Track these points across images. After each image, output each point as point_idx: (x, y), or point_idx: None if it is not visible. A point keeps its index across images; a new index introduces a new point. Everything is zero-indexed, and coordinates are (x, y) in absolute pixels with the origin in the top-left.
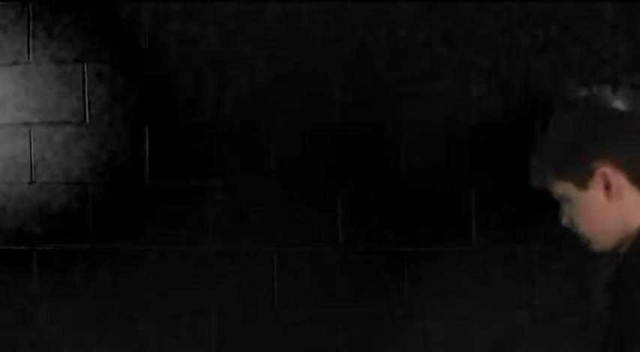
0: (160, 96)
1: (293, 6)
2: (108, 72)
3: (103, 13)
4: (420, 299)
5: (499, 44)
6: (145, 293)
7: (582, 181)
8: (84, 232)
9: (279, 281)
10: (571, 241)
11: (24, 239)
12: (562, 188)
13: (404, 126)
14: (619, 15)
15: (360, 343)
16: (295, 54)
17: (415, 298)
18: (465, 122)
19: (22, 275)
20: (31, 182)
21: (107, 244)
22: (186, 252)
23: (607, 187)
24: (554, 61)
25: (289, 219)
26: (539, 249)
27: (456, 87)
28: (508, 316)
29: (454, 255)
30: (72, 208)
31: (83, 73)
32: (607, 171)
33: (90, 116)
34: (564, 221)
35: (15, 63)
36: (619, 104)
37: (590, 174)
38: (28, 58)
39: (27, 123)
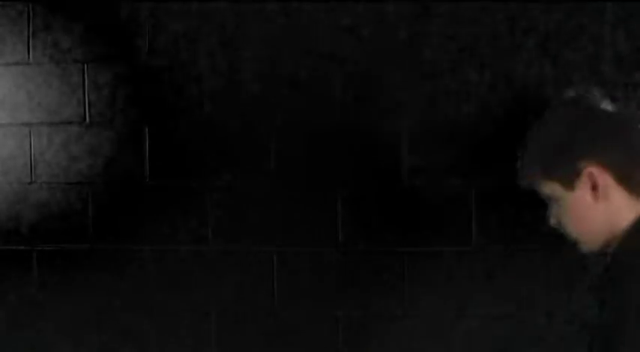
0: (160, 96)
1: (293, 6)
2: (108, 72)
3: (103, 13)
4: (420, 299)
5: (499, 44)
6: (145, 293)
7: (569, 181)
8: (84, 232)
9: (279, 281)
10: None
11: (24, 239)
12: (549, 188)
13: (404, 126)
14: (619, 15)
15: (360, 343)
16: (295, 54)
17: (415, 298)
18: (465, 122)
19: (22, 275)
20: (31, 182)
21: (107, 244)
22: (186, 252)
23: (594, 187)
24: (555, 61)
25: (289, 219)
26: (539, 249)
27: (456, 87)
28: (508, 316)
29: (454, 255)
30: (72, 208)
31: (83, 73)
32: (594, 171)
33: (90, 116)
34: (552, 221)
35: (15, 63)
36: (607, 105)
37: (577, 175)
38: (28, 58)
39: (27, 123)
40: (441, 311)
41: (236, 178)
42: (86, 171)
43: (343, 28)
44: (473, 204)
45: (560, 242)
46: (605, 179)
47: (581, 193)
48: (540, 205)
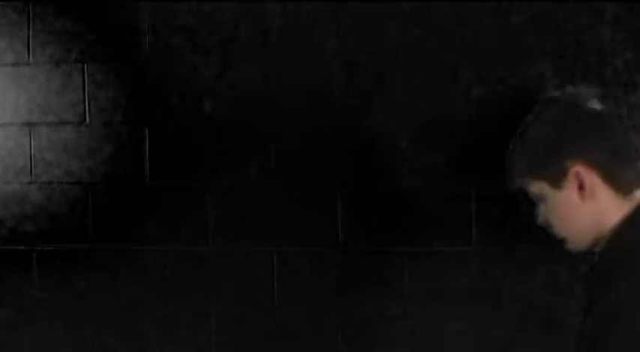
0: (160, 96)
1: (293, 5)
2: (108, 72)
3: (103, 13)
4: (420, 299)
5: (499, 44)
6: (144, 293)
7: (556, 181)
8: (84, 232)
9: (279, 281)
10: None
11: (24, 239)
12: (537, 187)
13: (404, 126)
14: (619, 15)
15: (360, 343)
16: (295, 54)
17: (415, 298)
18: (465, 122)
19: (22, 275)
20: (31, 182)
21: (107, 244)
22: (186, 252)
23: (581, 187)
24: (554, 61)
25: (289, 219)
26: (539, 249)
27: (456, 87)
28: (508, 316)
29: (454, 255)
30: (72, 208)
31: (83, 73)
32: (580, 170)
33: (90, 116)
34: (540, 220)
35: (15, 63)
36: (595, 104)
37: (564, 174)
38: (28, 58)
39: (27, 123)
40: (440, 311)
41: (236, 178)
42: (86, 171)
43: (343, 28)
44: (473, 204)
45: (560, 242)
46: (592, 178)
47: (568, 193)
48: None
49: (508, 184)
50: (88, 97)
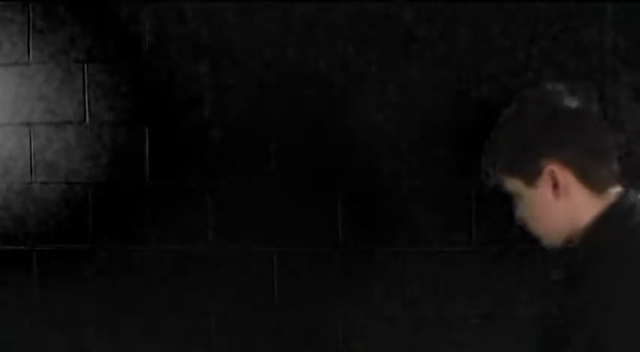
0: (160, 96)
1: (293, 6)
2: (108, 72)
3: (102, 13)
4: (420, 299)
5: (499, 44)
6: (145, 293)
7: (531, 179)
8: (84, 232)
9: (279, 281)
10: None
11: (24, 239)
12: (512, 185)
13: (404, 126)
14: (619, 15)
15: (360, 343)
16: (295, 54)
17: (415, 298)
18: (465, 122)
19: (22, 275)
20: (31, 182)
21: (107, 244)
22: (186, 252)
23: (555, 185)
24: (554, 61)
25: (289, 219)
26: (539, 249)
27: (456, 87)
28: (508, 316)
29: (454, 255)
30: (72, 208)
31: (83, 73)
32: (555, 169)
33: (90, 116)
34: (517, 216)
35: (15, 63)
36: (571, 102)
37: (539, 173)
38: (28, 58)
39: (27, 123)
40: (440, 311)
41: (236, 178)
42: (86, 171)
43: (343, 28)
44: (473, 204)
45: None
46: (566, 177)
47: (543, 191)
48: None
49: (485, 181)
50: (88, 97)
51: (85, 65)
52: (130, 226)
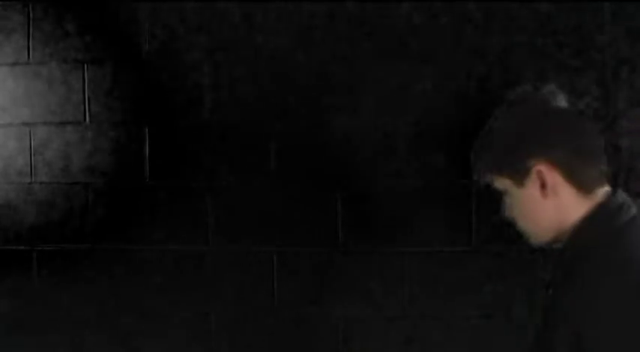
0: (159, 96)
1: (293, 5)
2: (108, 72)
3: (103, 13)
4: (420, 299)
5: (498, 44)
6: (144, 293)
7: (519, 178)
8: (84, 232)
9: (279, 281)
10: None
11: (24, 239)
12: (501, 183)
13: (404, 126)
14: (619, 15)
15: (360, 343)
16: (295, 54)
17: (415, 298)
18: (465, 121)
19: (22, 275)
20: (31, 182)
21: (107, 244)
22: (186, 252)
23: (543, 185)
24: (554, 61)
25: (289, 219)
26: (539, 249)
27: (455, 86)
28: (507, 316)
29: (454, 255)
30: (72, 208)
31: (83, 73)
32: (543, 169)
33: (90, 116)
34: (505, 214)
35: (15, 63)
36: (560, 101)
37: (527, 173)
38: (28, 58)
39: (27, 123)
40: (441, 311)
41: (236, 178)
42: (86, 171)
43: (342, 28)
44: (473, 204)
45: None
46: (554, 177)
47: (531, 191)
48: None
49: (475, 179)
50: (88, 97)
51: (85, 65)
52: (130, 226)
